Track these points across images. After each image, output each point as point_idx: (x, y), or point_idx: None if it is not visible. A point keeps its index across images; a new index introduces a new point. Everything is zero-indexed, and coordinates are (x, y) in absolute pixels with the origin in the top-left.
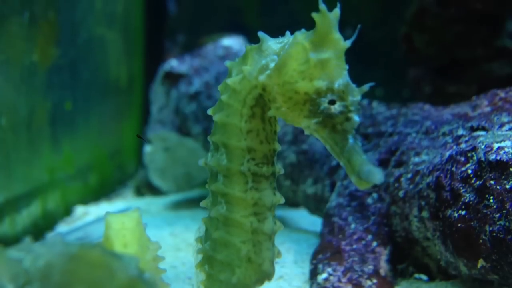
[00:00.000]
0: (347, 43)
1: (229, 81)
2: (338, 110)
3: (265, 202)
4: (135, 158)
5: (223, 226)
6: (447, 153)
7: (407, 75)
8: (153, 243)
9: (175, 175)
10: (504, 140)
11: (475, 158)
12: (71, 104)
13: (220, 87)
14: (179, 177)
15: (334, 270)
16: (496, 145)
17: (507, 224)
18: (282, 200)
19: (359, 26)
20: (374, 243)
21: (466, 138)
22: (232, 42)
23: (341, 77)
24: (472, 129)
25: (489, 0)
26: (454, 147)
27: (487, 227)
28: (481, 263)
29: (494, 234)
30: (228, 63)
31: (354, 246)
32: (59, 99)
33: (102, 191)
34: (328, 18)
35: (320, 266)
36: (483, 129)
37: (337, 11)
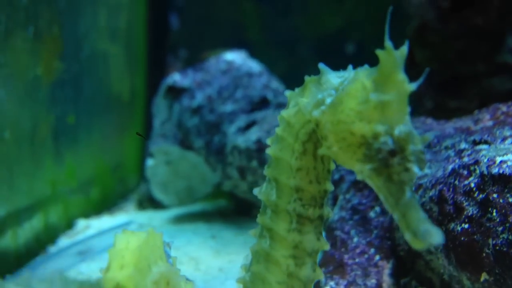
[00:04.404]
0: (413, 86)
1: (284, 113)
2: (396, 161)
3: (305, 246)
4: (137, 172)
5: (263, 261)
6: (450, 167)
7: None
8: (162, 266)
9: (177, 189)
10: (506, 154)
11: (477, 171)
12: (74, 118)
13: (279, 117)
14: (181, 190)
15: (336, 284)
16: (498, 159)
17: (510, 237)
18: (327, 247)
19: (427, 69)
20: (377, 257)
21: (469, 152)
22: (235, 56)
23: (403, 123)
24: (475, 142)
25: (490, 16)
26: (457, 160)
27: (490, 241)
28: (484, 276)
29: (497, 247)
30: (287, 93)
31: (357, 260)
32: (62, 113)
33: (104, 204)
34: (393, 56)
35: (322, 279)
36: (486, 142)
37: (404, 49)
